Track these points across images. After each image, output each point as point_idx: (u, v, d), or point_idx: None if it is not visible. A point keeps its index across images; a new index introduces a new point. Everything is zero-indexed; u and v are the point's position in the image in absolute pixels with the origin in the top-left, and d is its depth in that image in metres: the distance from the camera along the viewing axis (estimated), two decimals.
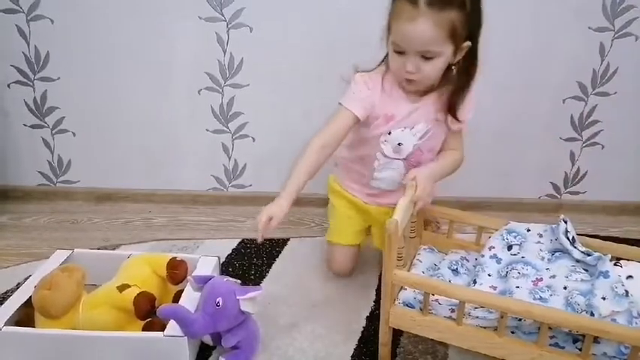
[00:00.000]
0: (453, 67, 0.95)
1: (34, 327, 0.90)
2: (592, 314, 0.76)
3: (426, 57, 0.91)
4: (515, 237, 0.96)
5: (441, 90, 0.99)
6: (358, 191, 1.15)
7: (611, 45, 1.35)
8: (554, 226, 0.94)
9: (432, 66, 0.92)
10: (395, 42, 0.91)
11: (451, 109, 0.99)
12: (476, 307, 0.82)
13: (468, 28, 0.90)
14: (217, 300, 0.86)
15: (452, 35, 0.88)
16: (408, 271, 0.96)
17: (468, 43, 0.92)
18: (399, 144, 1.03)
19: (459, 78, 0.97)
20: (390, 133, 1.02)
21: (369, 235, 1.22)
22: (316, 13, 1.17)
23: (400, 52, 0.92)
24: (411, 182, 0.94)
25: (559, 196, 1.56)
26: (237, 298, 0.87)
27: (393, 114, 1.00)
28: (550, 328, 0.77)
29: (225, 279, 0.91)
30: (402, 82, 0.98)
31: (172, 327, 0.86)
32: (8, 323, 0.87)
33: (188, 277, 0.92)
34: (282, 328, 0.99)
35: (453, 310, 0.84)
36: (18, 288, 0.97)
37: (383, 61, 1.03)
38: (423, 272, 0.95)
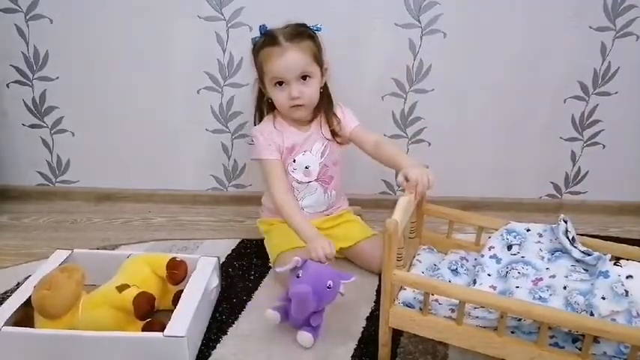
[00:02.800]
0: (321, 91, 1.14)
1: (33, 327, 0.90)
2: (592, 314, 0.75)
3: (304, 78, 1.10)
4: (515, 237, 0.96)
5: (319, 116, 1.19)
6: None
7: (612, 44, 1.35)
8: (554, 225, 0.94)
9: (310, 87, 1.11)
10: (275, 77, 1.09)
11: (329, 124, 1.18)
12: (476, 307, 0.82)
13: (321, 54, 1.12)
14: (329, 282, 0.94)
15: (315, 58, 1.10)
16: (408, 271, 0.96)
17: (327, 66, 1.13)
18: (306, 167, 1.18)
19: (326, 100, 1.18)
20: (294, 161, 1.17)
21: None
22: (314, 12, 1.16)
23: (281, 84, 1.10)
24: (409, 183, 0.94)
25: (560, 196, 1.56)
26: (341, 281, 0.96)
27: (292, 145, 1.17)
28: (550, 327, 0.77)
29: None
30: (291, 113, 1.14)
31: (172, 327, 0.86)
32: (7, 323, 0.86)
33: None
34: (282, 328, 0.99)
35: (452, 310, 0.84)
36: (17, 288, 0.97)
37: (258, 113, 1.22)
38: (423, 272, 0.95)
